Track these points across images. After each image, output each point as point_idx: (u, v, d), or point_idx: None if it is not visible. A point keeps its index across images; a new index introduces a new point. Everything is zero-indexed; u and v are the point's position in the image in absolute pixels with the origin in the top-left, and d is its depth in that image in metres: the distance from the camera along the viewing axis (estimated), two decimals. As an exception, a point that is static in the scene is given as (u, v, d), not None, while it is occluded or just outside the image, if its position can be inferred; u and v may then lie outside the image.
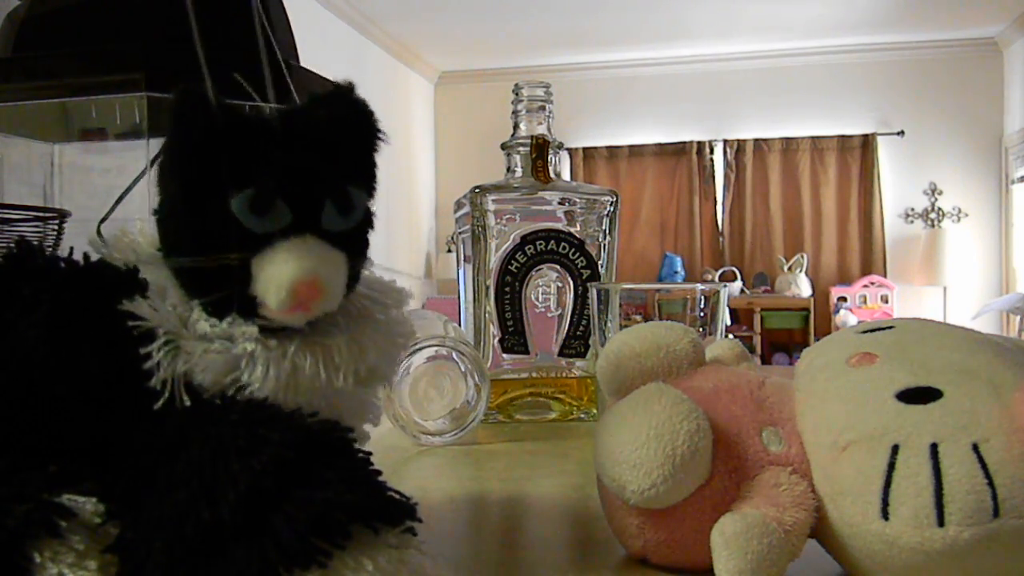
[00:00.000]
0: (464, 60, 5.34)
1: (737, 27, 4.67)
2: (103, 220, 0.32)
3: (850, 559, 0.30)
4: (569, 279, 0.68)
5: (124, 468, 0.25)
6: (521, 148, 0.69)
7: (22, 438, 0.26)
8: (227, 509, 0.23)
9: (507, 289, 0.67)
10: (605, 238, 0.69)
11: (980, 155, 4.99)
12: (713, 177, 5.27)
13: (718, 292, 0.53)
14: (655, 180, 5.34)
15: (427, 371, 0.57)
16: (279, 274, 0.26)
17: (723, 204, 5.27)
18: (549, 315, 0.68)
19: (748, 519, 0.28)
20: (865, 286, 4.89)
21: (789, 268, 4.99)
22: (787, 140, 5.16)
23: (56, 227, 0.61)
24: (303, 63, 0.66)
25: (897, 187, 5.10)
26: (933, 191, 5.07)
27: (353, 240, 0.28)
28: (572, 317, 0.68)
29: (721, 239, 5.27)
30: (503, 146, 0.70)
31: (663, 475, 0.29)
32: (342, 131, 0.28)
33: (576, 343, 0.68)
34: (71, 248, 0.29)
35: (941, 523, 0.26)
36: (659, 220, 5.35)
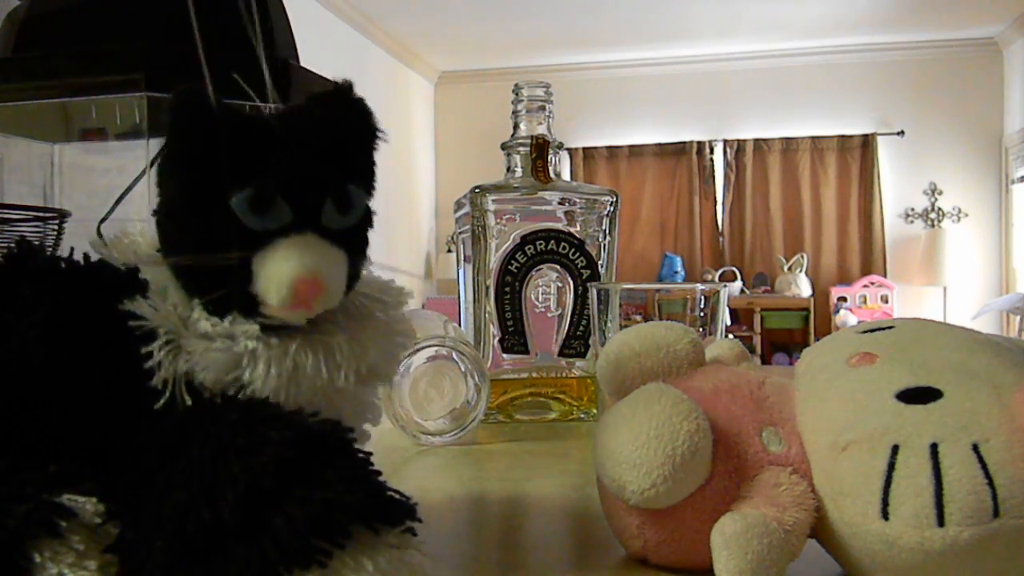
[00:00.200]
0: (464, 60, 5.34)
1: (737, 27, 4.67)
2: (103, 220, 0.32)
3: (850, 559, 0.30)
4: (569, 279, 0.68)
5: (124, 467, 0.25)
6: (521, 148, 0.69)
7: (22, 438, 0.26)
8: (227, 509, 0.23)
9: (507, 289, 0.67)
10: (605, 238, 0.69)
11: (980, 155, 4.99)
12: (713, 177, 5.27)
13: (718, 292, 0.53)
14: (655, 180, 5.35)
15: (427, 371, 0.57)
16: (280, 271, 0.26)
17: (723, 204, 5.27)
18: (549, 315, 0.68)
19: (748, 519, 0.28)
20: (865, 286, 4.89)
21: (789, 268, 4.99)
22: (787, 140, 5.16)
23: (56, 227, 0.61)
24: (303, 63, 0.66)
25: (897, 187, 5.10)
26: (933, 191, 5.07)
27: (353, 238, 0.28)
28: (572, 317, 0.68)
29: (721, 239, 5.28)
30: (503, 146, 0.70)
31: (663, 475, 0.29)
32: (341, 130, 0.28)
33: (576, 343, 0.68)
34: (71, 248, 0.29)
35: (941, 523, 0.26)
36: (659, 220, 5.35)
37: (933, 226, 5.06)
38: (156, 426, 0.26)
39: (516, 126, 0.70)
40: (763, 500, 0.30)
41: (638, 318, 0.53)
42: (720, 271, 5.13)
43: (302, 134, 0.27)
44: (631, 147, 5.35)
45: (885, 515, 0.28)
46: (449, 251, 5.31)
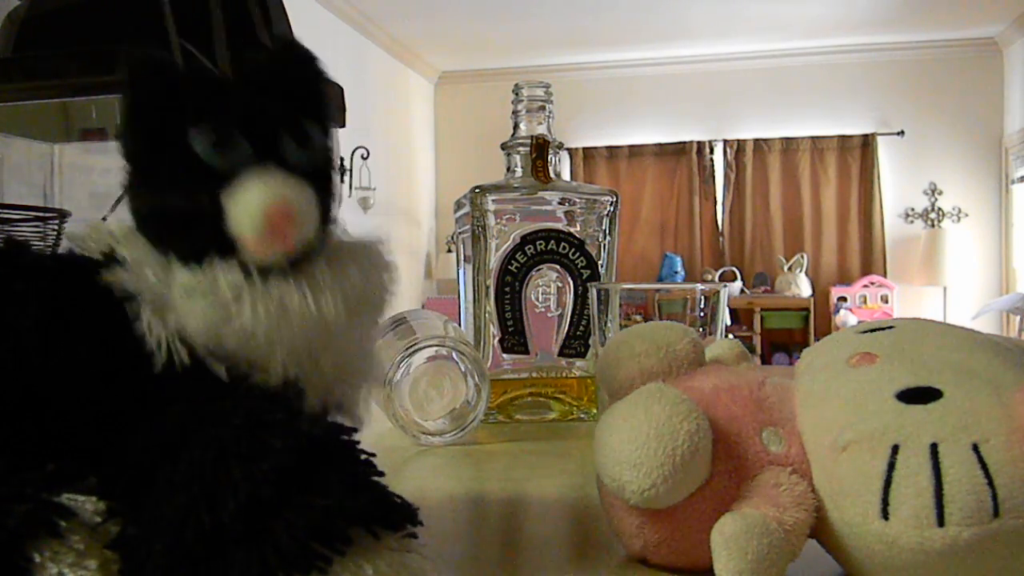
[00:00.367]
0: (464, 60, 5.34)
1: (737, 27, 4.67)
2: (104, 220, 0.32)
3: (850, 559, 0.30)
4: (569, 279, 0.68)
5: (126, 461, 0.26)
6: (521, 148, 0.69)
7: (24, 432, 0.26)
8: (227, 515, 0.23)
9: (507, 289, 0.67)
10: (605, 238, 0.69)
11: (980, 155, 4.99)
12: (713, 177, 5.27)
13: (718, 292, 0.53)
14: (655, 180, 5.35)
15: (427, 371, 0.57)
16: (249, 200, 0.27)
17: (723, 204, 5.27)
18: (549, 315, 0.68)
19: (748, 519, 0.28)
20: (865, 286, 4.89)
21: (789, 268, 4.99)
22: (787, 140, 5.16)
23: (56, 227, 0.61)
24: (303, 63, 0.66)
25: (897, 187, 5.10)
26: (933, 191, 5.07)
27: (319, 177, 0.29)
28: (572, 317, 0.68)
29: (721, 239, 5.28)
30: (503, 146, 0.70)
31: (663, 475, 0.29)
32: (287, 72, 0.29)
33: (576, 343, 0.68)
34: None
35: (941, 523, 0.26)
36: (659, 220, 5.35)
37: (933, 226, 5.06)
38: (158, 419, 0.26)
39: (516, 126, 0.70)
40: (763, 500, 0.30)
41: (638, 318, 0.53)
42: (720, 271, 5.13)
43: (251, 79, 0.29)
44: (631, 147, 5.35)
45: (885, 515, 0.28)
46: (449, 251, 5.31)
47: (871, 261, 5.06)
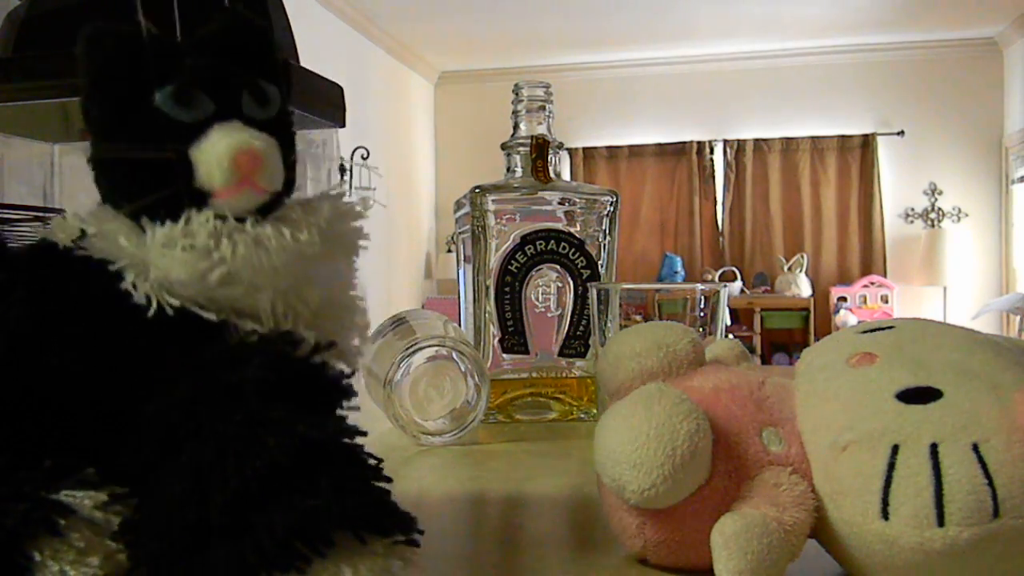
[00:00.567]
0: (464, 60, 5.34)
1: (737, 27, 4.68)
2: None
3: (850, 559, 0.30)
4: (569, 279, 0.68)
5: (129, 447, 0.26)
6: (521, 148, 0.69)
7: (22, 422, 0.26)
8: (215, 510, 0.23)
9: (507, 289, 0.67)
10: (605, 238, 0.69)
11: (980, 155, 4.99)
12: (713, 177, 5.27)
13: (718, 292, 0.53)
14: (655, 180, 5.35)
15: (427, 371, 0.57)
16: (216, 148, 0.27)
17: (723, 204, 5.27)
18: (549, 315, 0.68)
19: (748, 519, 0.28)
20: (865, 286, 4.89)
21: (789, 268, 4.99)
22: (787, 140, 5.16)
23: (56, 227, 0.61)
24: (303, 63, 0.66)
25: (897, 187, 5.10)
26: (933, 191, 5.07)
27: (279, 130, 0.30)
28: (572, 317, 0.68)
29: (721, 239, 5.28)
30: (503, 146, 0.70)
31: (663, 475, 0.29)
32: (239, 37, 0.31)
33: (576, 343, 0.68)
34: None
35: (941, 523, 0.27)
36: (659, 220, 5.35)
37: (933, 226, 5.05)
38: (162, 409, 0.26)
39: (516, 126, 0.70)
40: (763, 500, 0.30)
41: (638, 318, 0.53)
42: (720, 271, 5.13)
43: (206, 44, 0.30)
44: (631, 147, 5.35)
45: (885, 515, 0.28)
46: (449, 251, 5.31)
47: (871, 261, 5.06)
